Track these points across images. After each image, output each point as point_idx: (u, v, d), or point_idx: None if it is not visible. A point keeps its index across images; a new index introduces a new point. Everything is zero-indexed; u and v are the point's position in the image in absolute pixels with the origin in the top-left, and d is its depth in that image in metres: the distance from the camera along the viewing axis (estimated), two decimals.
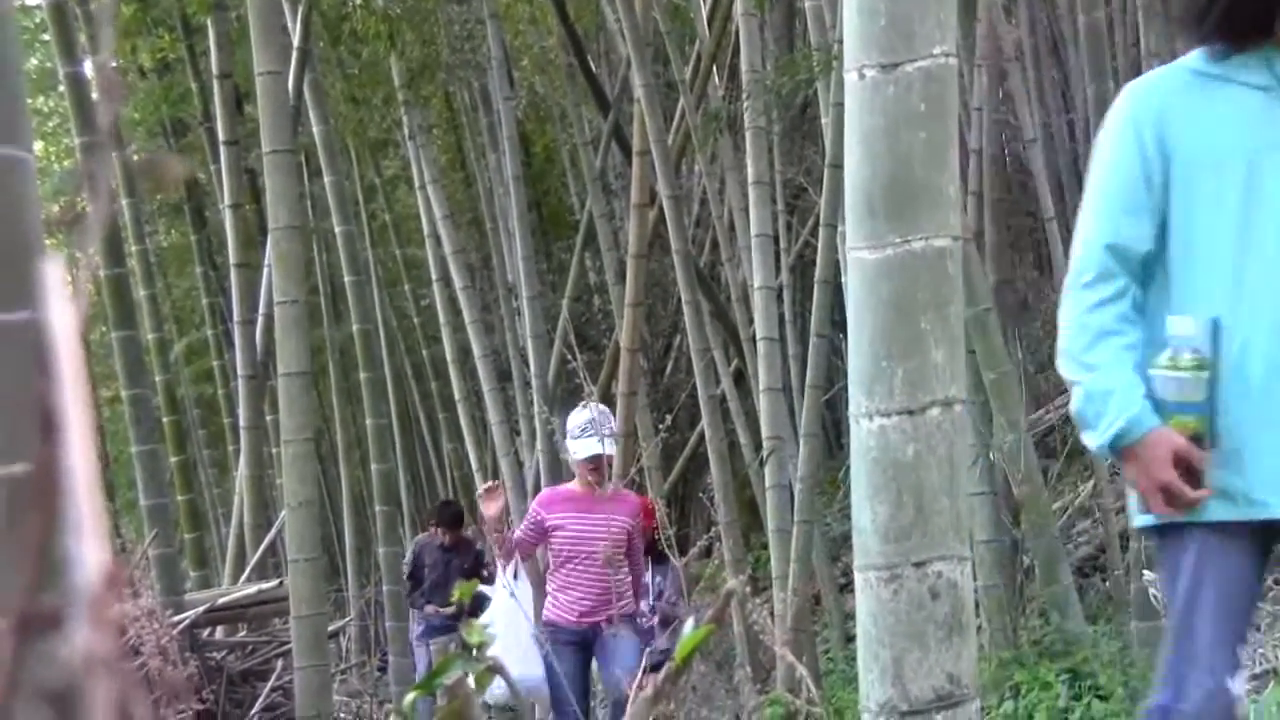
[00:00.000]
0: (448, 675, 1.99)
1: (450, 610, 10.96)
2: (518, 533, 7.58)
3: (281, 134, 7.63)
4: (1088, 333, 3.08)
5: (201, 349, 19.27)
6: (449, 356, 14.39)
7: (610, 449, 7.50)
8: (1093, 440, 3.07)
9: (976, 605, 5.30)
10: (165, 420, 12.45)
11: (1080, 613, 8.25)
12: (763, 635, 6.97)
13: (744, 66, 10.06)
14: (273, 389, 11.05)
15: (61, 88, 12.24)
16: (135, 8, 14.43)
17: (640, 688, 1.89)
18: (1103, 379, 3.03)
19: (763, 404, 9.70)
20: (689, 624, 1.73)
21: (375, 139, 16.45)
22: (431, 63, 13.97)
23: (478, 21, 13.48)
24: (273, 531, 11.47)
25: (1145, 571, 8.05)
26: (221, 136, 11.78)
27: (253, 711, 9.56)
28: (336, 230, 12.08)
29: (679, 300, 11.97)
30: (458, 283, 13.60)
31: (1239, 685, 3.11)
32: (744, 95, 10.18)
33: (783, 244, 12.70)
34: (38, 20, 17.77)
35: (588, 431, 7.39)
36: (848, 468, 4.04)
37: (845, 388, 3.46)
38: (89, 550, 0.55)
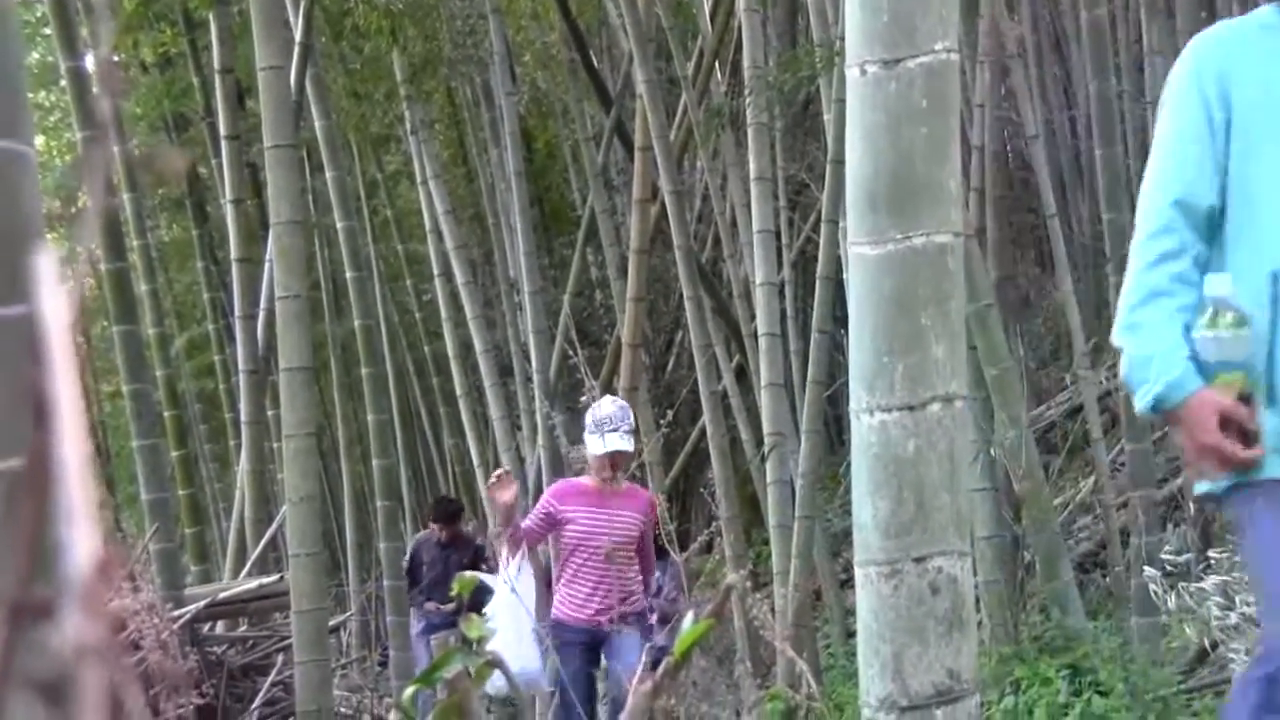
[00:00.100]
0: (447, 669, 1.99)
1: (450, 607, 10.96)
2: (526, 521, 7.54)
3: (283, 129, 7.62)
4: (1139, 291, 3.01)
5: (203, 344, 19.28)
6: (450, 352, 14.39)
7: (629, 445, 7.45)
8: (1138, 407, 3.00)
9: (977, 601, 5.31)
10: (166, 415, 12.44)
11: (1081, 608, 8.25)
12: (763, 630, 6.97)
13: (746, 62, 10.06)
14: (274, 384, 11.05)
15: (63, 82, 12.25)
16: (137, 2, 14.42)
17: (640, 683, 1.89)
18: (1146, 342, 2.95)
19: (764, 400, 9.70)
20: (688, 619, 1.73)
21: (377, 134, 16.44)
22: (433, 58, 13.97)
23: (480, 17, 13.47)
24: (274, 526, 11.47)
25: (1145, 568, 8.05)
26: (223, 131, 11.78)
27: (253, 706, 9.56)
28: (338, 225, 12.07)
29: (681, 296, 11.97)
30: (459, 278, 13.60)
31: None
32: (746, 91, 10.18)
33: (784, 240, 12.70)
34: (39, 14, 17.77)
35: (606, 426, 7.35)
36: (849, 463, 4.04)
37: (847, 383, 3.46)
38: (81, 540, 0.55)
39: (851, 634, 9.31)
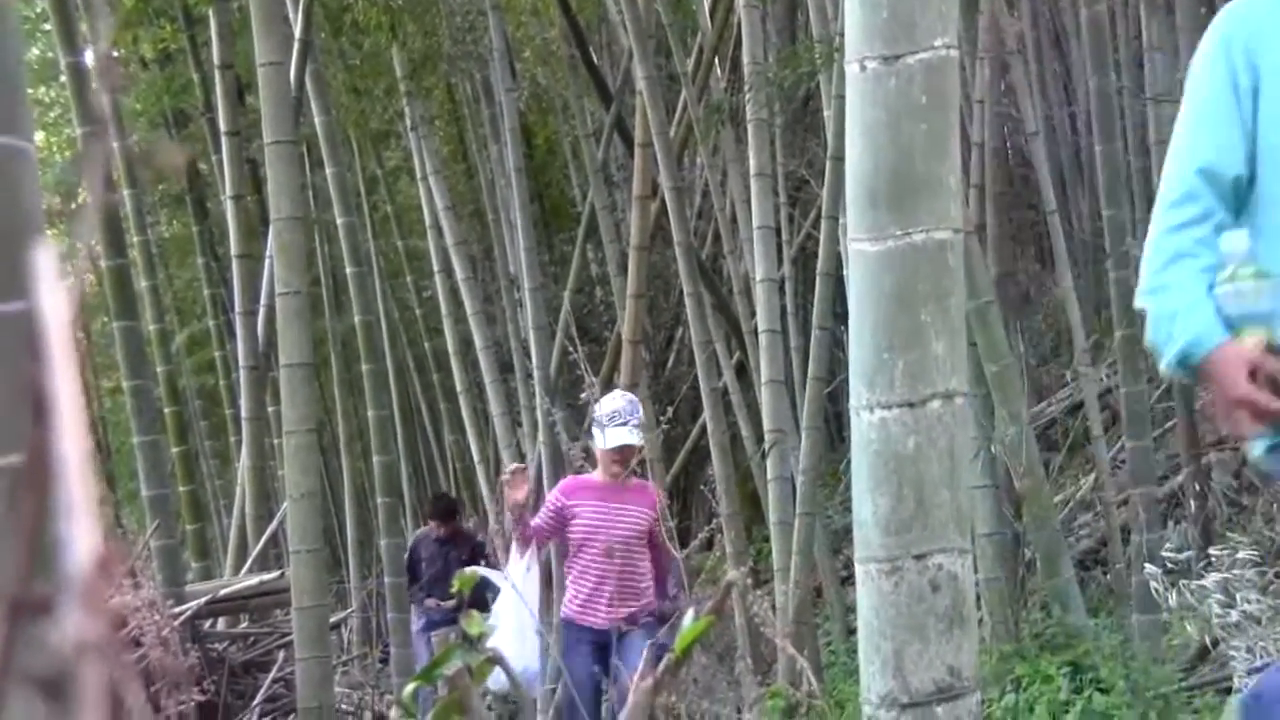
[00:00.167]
0: (448, 666, 1.99)
1: (450, 604, 10.96)
2: (536, 519, 7.50)
3: (283, 125, 7.62)
4: (1162, 254, 2.93)
5: (203, 340, 19.29)
6: (451, 348, 14.40)
7: (638, 439, 7.40)
8: (1164, 366, 2.93)
9: (977, 598, 5.31)
10: (167, 411, 12.44)
11: (1081, 606, 8.25)
12: (764, 628, 6.98)
13: (746, 59, 10.06)
14: (274, 380, 11.05)
15: (63, 78, 12.25)
16: None
17: (641, 680, 1.89)
18: (1169, 300, 2.88)
19: (764, 396, 9.70)
20: (689, 616, 1.73)
21: (377, 130, 16.44)
22: (433, 54, 13.97)
23: (479, 13, 13.47)
24: (274, 523, 11.47)
25: (1146, 565, 8.05)
26: (223, 127, 11.77)
27: (254, 703, 9.56)
28: (338, 221, 12.07)
29: (681, 292, 11.97)
30: (459, 274, 13.60)
31: None
32: (746, 87, 10.18)
33: (785, 236, 12.70)
34: (39, 10, 17.78)
35: (616, 420, 7.30)
36: (849, 460, 4.04)
37: (847, 380, 3.46)
38: (82, 536, 0.54)
39: (852, 631, 9.31)
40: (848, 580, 11.21)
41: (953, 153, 3.34)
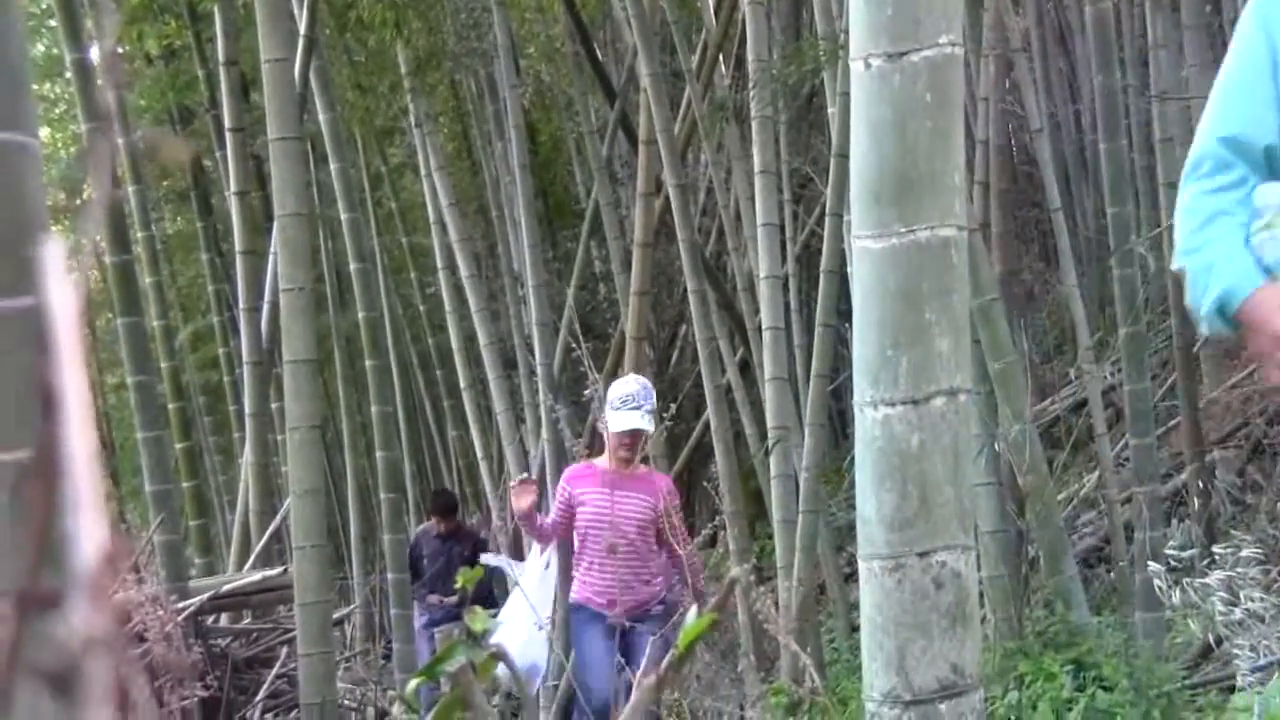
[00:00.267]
0: (450, 663, 1.99)
1: (452, 600, 10.97)
2: (551, 516, 7.42)
3: (288, 121, 7.62)
4: (1198, 215, 2.89)
5: (207, 336, 19.29)
6: (454, 344, 14.39)
7: (650, 425, 7.26)
8: (1203, 321, 2.86)
9: (981, 596, 5.31)
10: (171, 407, 12.45)
11: (1085, 604, 8.24)
12: (767, 625, 6.95)
13: (750, 56, 10.05)
14: (278, 376, 11.03)
15: (68, 74, 12.24)
16: None
17: (644, 677, 1.89)
18: (1205, 255, 2.83)
19: (768, 393, 9.70)
20: (692, 613, 1.73)
21: (381, 127, 16.43)
22: (438, 51, 13.96)
23: (484, 9, 13.46)
24: (278, 519, 11.48)
25: (1150, 563, 8.05)
26: (227, 123, 11.77)
27: (257, 698, 9.57)
28: (342, 218, 12.08)
29: (684, 289, 11.97)
30: (463, 271, 13.59)
31: None
32: (750, 84, 10.17)
33: (789, 233, 12.68)
34: (44, 6, 17.79)
35: (629, 404, 7.17)
36: (853, 457, 4.04)
37: (851, 377, 3.46)
38: (89, 530, 0.55)
39: (855, 628, 9.31)
40: (851, 577, 11.21)
41: (957, 150, 3.34)
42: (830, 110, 9.30)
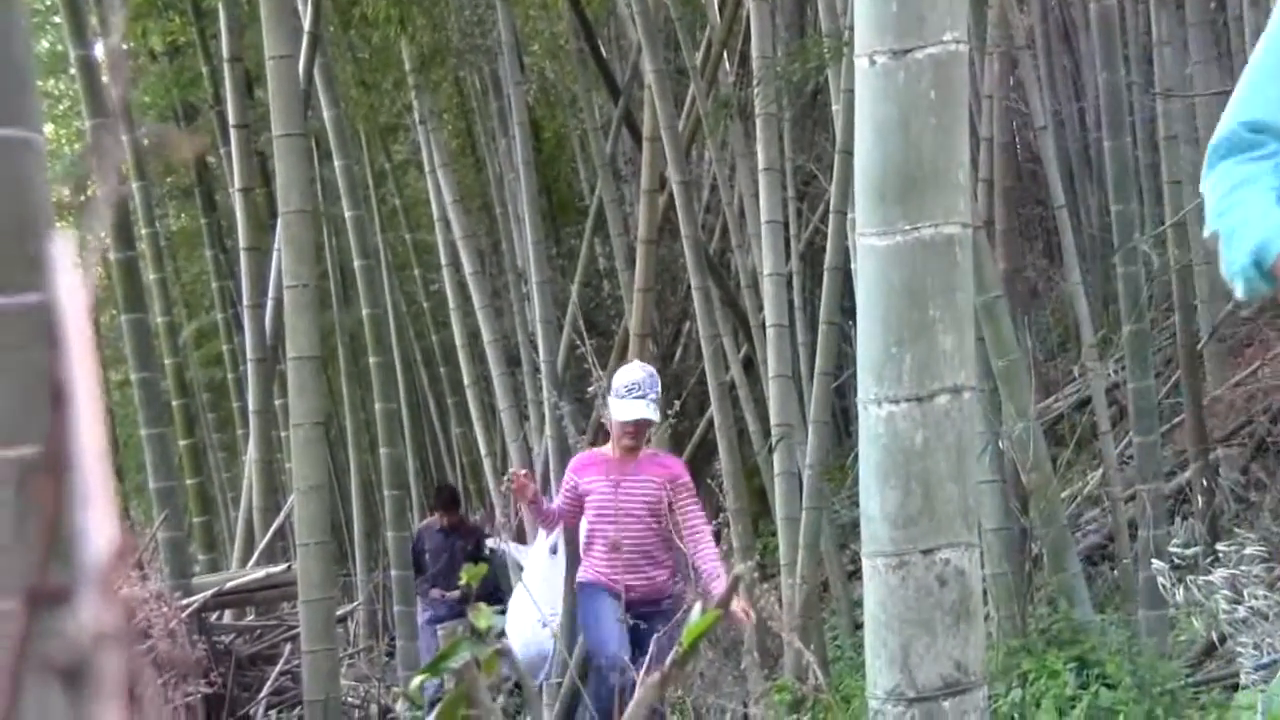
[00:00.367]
0: (454, 659, 1.99)
1: (455, 595, 10.97)
2: (556, 502, 7.32)
3: (292, 118, 7.63)
4: (1229, 180, 2.83)
5: (211, 333, 19.30)
6: (458, 341, 14.39)
7: (655, 414, 7.13)
8: (1238, 280, 2.75)
9: (984, 593, 5.31)
10: (174, 404, 12.47)
11: (1088, 601, 8.24)
12: (771, 622, 6.95)
13: (755, 53, 10.04)
14: (282, 373, 11.06)
15: (72, 70, 12.26)
16: None
17: (647, 674, 1.89)
18: (1237, 215, 2.76)
19: (772, 391, 9.70)
20: (696, 610, 1.73)
21: (385, 124, 16.43)
22: (442, 47, 13.96)
23: (488, 6, 13.46)
24: (281, 515, 11.49)
25: (1153, 560, 8.04)
26: (232, 120, 11.78)
27: (260, 695, 9.57)
28: (346, 215, 12.08)
29: (688, 286, 11.96)
30: (467, 268, 13.59)
31: None
32: (755, 81, 10.17)
33: (793, 230, 12.67)
34: (49, 2, 17.80)
35: (634, 392, 7.02)
36: (857, 455, 4.04)
37: (855, 374, 3.46)
38: (98, 525, 0.55)
39: (859, 626, 9.31)
40: (854, 575, 11.21)
41: (961, 148, 3.34)
42: (834, 107, 9.30)
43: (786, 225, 11.45)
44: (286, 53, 7.70)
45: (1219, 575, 7.16)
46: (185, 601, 9.02)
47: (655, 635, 6.54)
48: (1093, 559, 10.86)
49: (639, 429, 7.10)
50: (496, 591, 11.39)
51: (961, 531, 3.26)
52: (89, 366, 0.59)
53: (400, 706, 10.33)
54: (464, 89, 16.35)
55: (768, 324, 9.71)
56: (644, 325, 11.20)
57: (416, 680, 2.23)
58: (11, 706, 0.57)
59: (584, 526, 7.34)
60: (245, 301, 11.81)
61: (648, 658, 6.18)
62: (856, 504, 4.38)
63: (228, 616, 10.50)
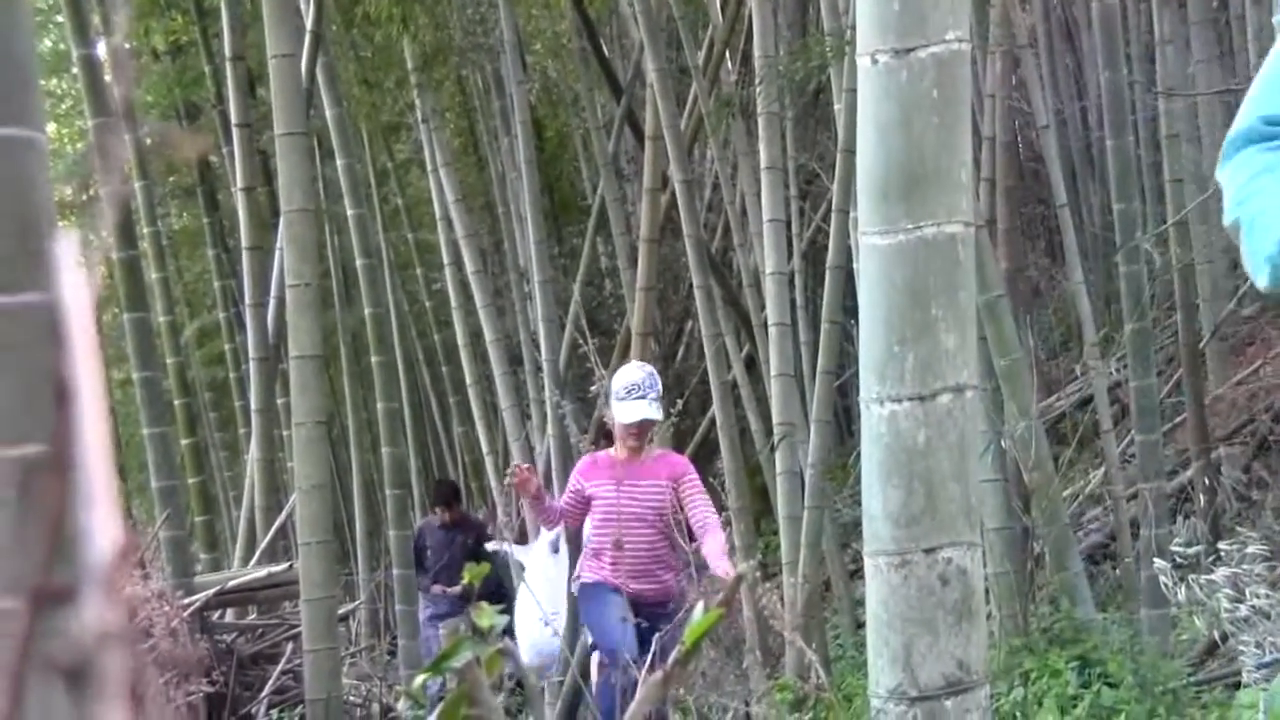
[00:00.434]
0: (456, 658, 1.99)
1: (456, 590, 10.96)
2: (561, 501, 7.22)
3: (294, 117, 7.63)
4: (1249, 169, 2.73)
5: (213, 332, 19.31)
6: (460, 341, 14.39)
7: (657, 413, 7.04)
8: (1264, 269, 2.62)
9: (986, 592, 5.32)
10: (176, 403, 12.47)
11: (1090, 600, 8.24)
12: (773, 621, 6.92)
13: (757, 51, 10.04)
14: (284, 372, 11.07)
15: (75, 70, 12.26)
16: None
17: (649, 673, 1.89)
18: (1259, 202, 2.67)
19: (774, 390, 9.70)
20: (699, 608, 1.73)
21: (388, 123, 16.44)
22: (444, 47, 13.96)
23: (490, 5, 13.47)
24: (283, 514, 11.49)
25: (1155, 559, 8.04)
26: (234, 119, 11.78)
27: (262, 694, 9.58)
28: (349, 214, 12.08)
29: (690, 285, 11.97)
30: (469, 267, 13.60)
31: None
32: (757, 80, 10.17)
33: (795, 229, 12.68)
34: (51, 2, 17.80)
35: (634, 394, 6.94)
36: (859, 454, 4.04)
37: (857, 373, 3.46)
38: (102, 525, 0.55)
39: (861, 625, 9.31)
40: (856, 574, 11.22)
41: (964, 147, 3.34)
42: (837, 106, 9.30)
43: (789, 224, 11.46)
44: (289, 51, 7.70)
45: (1221, 574, 7.16)
46: (187, 600, 9.03)
47: (658, 634, 6.53)
48: (1095, 558, 10.86)
49: (642, 430, 7.02)
50: (500, 589, 11.40)
51: (964, 530, 3.26)
52: (93, 365, 0.59)
53: (402, 705, 10.33)
54: (466, 88, 16.35)
55: (770, 323, 9.71)
56: (646, 324, 11.20)
57: (419, 679, 2.23)
58: (15, 706, 0.57)
59: (588, 528, 7.29)
60: (247, 300, 11.82)
61: (650, 656, 6.17)
62: (858, 503, 4.38)
63: (229, 615, 10.50)
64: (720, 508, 10.39)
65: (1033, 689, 6.75)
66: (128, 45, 13.55)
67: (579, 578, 7.29)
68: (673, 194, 11.25)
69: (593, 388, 8.56)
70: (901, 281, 3.25)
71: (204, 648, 9.03)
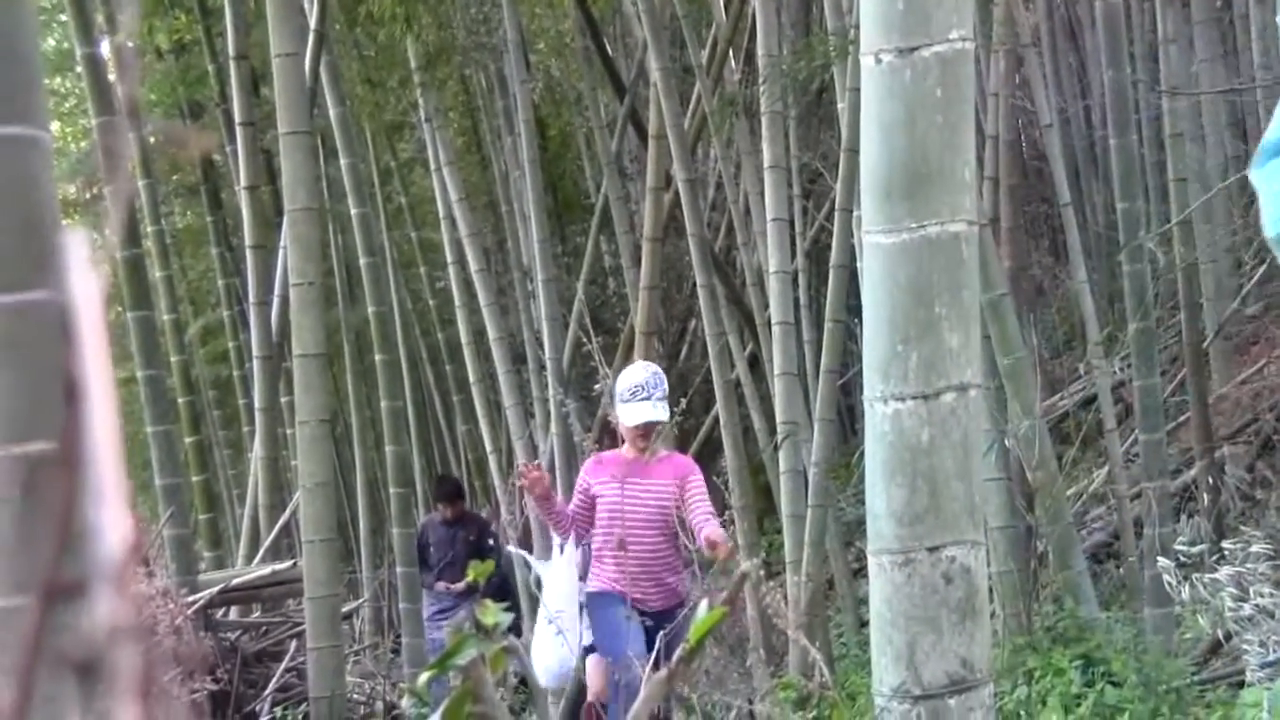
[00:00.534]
0: (461, 656, 1.99)
1: (460, 587, 10.96)
2: (571, 505, 7.15)
3: (298, 115, 7.64)
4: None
5: (217, 330, 19.32)
6: (464, 339, 14.40)
7: (663, 414, 6.98)
8: None
9: (990, 591, 5.32)
10: (180, 401, 12.48)
11: (1094, 599, 8.24)
12: (776, 619, 6.92)
13: (760, 51, 10.04)
14: (288, 370, 11.08)
15: (79, 68, 12.27)
16: None
17: (653, 672, 1.90)
18: None
19: (777, 389, 9.70)
20: (703, 607, 1.73)
21: (391, 121, 16.45)
22: (447, 45, 13.97)
23: (493, 4, 13.48)
24: (287, 513, 11.49)
25: (1159, 558, 8.04)
26: (238, 118, 11.78)
27: (266, 692, 9.58)
28: (352, 212, 12.08)
29: (694, 284, 11.96)
30: (473, 265, 13.60)
31: None
32: (760, 79, 10.17)
33: (798, 228, 12.69)
34: (55, 0, 17.80)
35: (639, 395, 6.91)
36: (862, 452, 4.04)
37: (860, 372, 3.46)
38: (111, 521, 0.55)
39: (864, 623, 9.31)
40: (860, 572, 11.22)
41: (967, 145, 3.34)
42: (840, 105, 9.30)
43: (792, 223, 11.46)
44: (292, 50, 7.71)
45: (1224, 573, 7.17)
46: (191, 598, 9.03)
47: (663, 633, 6.50)
48: (1098, 556, 10.86)
49: (649, 431, 6.98)
50: (504, 585, 11.41)
51: (967, 529, 3.26)
52: (102, 362, 0.59)
53: (406, 703, 10.33)
54: (469, 87, 16.36)
55: (773, 322, 9.71)
56: (649, 323, 11.21)
57: (423, 677, 2.24)
58: (26, 701, 0.58)
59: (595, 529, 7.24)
60: (251, 299, 11.82)
61: (653, 654, 6.14)
62: (862, 501, 4.38)
63: (233, 613, 10.50)
64: (723, 506, 10.41)
65: (1036, 688, 6.74)
66: (131, 44, 13.56)
67: (585, 588, 7.25)
68: (676, 193, 11.25)
69: (596, 386, 8.56)
70: (905, 280, 3.26)
71: (208, 645, 9.04)
